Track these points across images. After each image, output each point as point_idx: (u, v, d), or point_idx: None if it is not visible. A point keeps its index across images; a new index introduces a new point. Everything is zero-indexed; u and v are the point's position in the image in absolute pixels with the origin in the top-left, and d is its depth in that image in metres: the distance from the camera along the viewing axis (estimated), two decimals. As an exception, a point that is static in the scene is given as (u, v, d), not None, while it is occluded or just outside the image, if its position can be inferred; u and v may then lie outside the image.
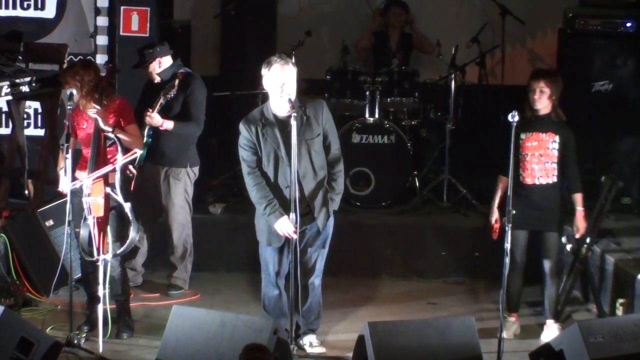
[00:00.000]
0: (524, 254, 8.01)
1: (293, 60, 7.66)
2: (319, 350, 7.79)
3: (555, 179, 7.95)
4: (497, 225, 8.05)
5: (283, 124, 7.47)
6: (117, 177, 7.63)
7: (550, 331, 8.04)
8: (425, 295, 9.04)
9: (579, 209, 8.02)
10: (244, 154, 7.60)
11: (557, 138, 7.92)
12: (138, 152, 7.74)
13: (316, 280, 7.78)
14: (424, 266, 9.46)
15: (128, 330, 7.99)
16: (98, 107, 7.64)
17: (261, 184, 7.58)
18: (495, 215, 8.09)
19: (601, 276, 8.64)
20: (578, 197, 8.03)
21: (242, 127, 7.60)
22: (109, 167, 7.62)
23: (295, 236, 7.45)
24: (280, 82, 7.46)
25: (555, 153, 7.93)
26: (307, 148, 7.53)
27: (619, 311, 8.15)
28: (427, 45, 10.75)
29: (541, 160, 7.92)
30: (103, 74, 8.03)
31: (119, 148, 7.62)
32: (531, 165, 7.92)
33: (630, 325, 7.00)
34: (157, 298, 8.81)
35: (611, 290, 8.47)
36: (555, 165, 7.94)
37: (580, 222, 8.04)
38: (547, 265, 8.07)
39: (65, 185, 7.78)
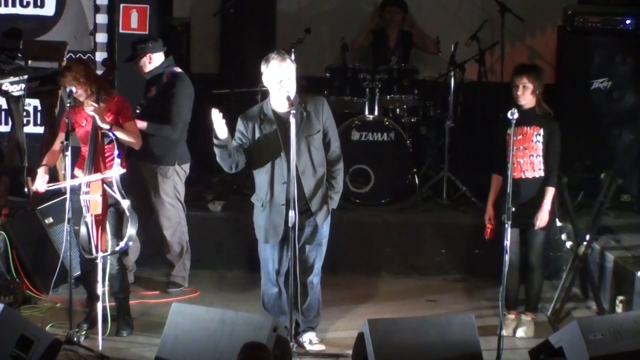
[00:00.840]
0: (517, 251, 8.00)
1: (292, 57, 7.66)
2: (318, 347, 7.79)
3: (542, 174, 7.96)
4: (490, 226, 8.05)
5: (282, 120, 7.47)
6: (115, 174, 7.64)
7: (525, 323, 8.10)
8: (424, 292, 9.04)
9: (545, 202, 7.97)
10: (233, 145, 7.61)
11: (541, 131, 7.94)
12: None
13: (314, 279, 7.78)
14: (424, 263, 9.47)
15: (128, 327, 7.99)
16: (95, 105, 7.64)
17: None
18: (489, 214, 8.10)
19: (601, 273, 8.65)
20: (549, 191, 8.00)
21: (239, 122, 7.63)
22: (105, 174, 7.63)
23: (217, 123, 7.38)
24: (278, 78, 7.46)
25: (540, 146, 7.94)
26: (306, 144, 7.52)
27: (619, 308, 8.15)
28: (431, 44, 10.72)
29: (525, 153, 7.94)
30: (100, 72, 8.03)
31: (116, 146, 7.62)
32: (517, 159, 7.94)
33: (630, 323, 7.01)
34: (156, 296, 8.81)
35: (611, 288, 8.48)
36: (540, 159, 7.95)
37: (543, 214, 7.97)
38: (529, 261, 8.09)
39: (40, 184, 7.79)
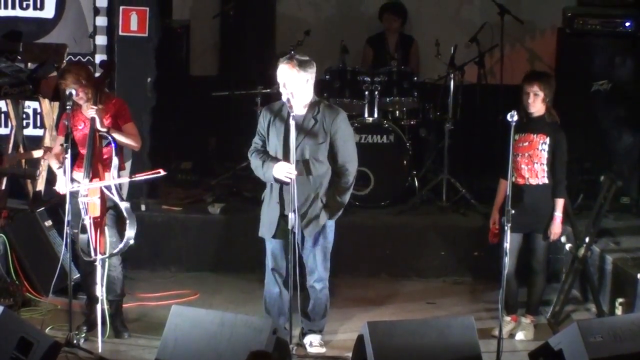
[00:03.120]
0: (515, 257, 7.98)
1: (298, 61, 7.57)
2: (318, 350, 7.78)
3: (545, 181, 7.95)
4: (494, 229, 8.03)
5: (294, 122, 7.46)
6: (113, 177, 7.64)
7: (525, 326, 8.10)
8: (424, 295, 9.04)
9: (557, 215, 7.99)
10: (256, 137, 7.71)
11: (547, 140, 7.92)
12: (162, 173, 7.72)
13: (316, 284, 7.77)
14: (423, 266, 9.46)
15: (126, 329, 7.99)
16: (95, 107, 7.64)
17: (258, 151, 7.63)
18: (494, 218, 8.09)
19: (600, 276, 8.64)
20: (559, 202, 8.00)
21: (261, 114, 7.72)
22: (106, 182, 7.62)
23: (292, 175, 7.39)
24: (280, 80, 7.51)
25: (545, 154, 7.93)
26: (305, 151, 7.51)
27: (618, 311, 8.15)
28: (414, 69, 10.73)
29: (530, 160, 7.93)
30: (97, 74, 8.03)
31: (114, 148, 7.62)
32: (521, 166, 7.93)
33: (629, 325, 7.00)
34: (155, 298, 8.78)
35: (610, 290, 8.47)
36: (545, 167, 7.93)
37: (555, 227, 8.00)
38: (532, 265, 8.10)
39: (62, 186, 7.76)
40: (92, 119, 7.63)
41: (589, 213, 8.79)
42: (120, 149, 7.73)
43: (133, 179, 7.76)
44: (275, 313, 7.75)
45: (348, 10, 11.52)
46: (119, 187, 7.70)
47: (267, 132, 7.63)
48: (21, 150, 9.41)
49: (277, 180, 7.51)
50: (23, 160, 9.44)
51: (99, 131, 7.64)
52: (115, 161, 7.64)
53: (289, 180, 7.40)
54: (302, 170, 7.51)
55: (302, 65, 7.50)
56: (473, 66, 10.53)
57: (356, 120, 9.89)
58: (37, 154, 9.11)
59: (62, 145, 7.71)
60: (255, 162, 7.65)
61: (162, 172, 7.67)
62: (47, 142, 9.29)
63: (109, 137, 7.63)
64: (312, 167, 7.55)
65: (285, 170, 7.42)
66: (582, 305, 8.77)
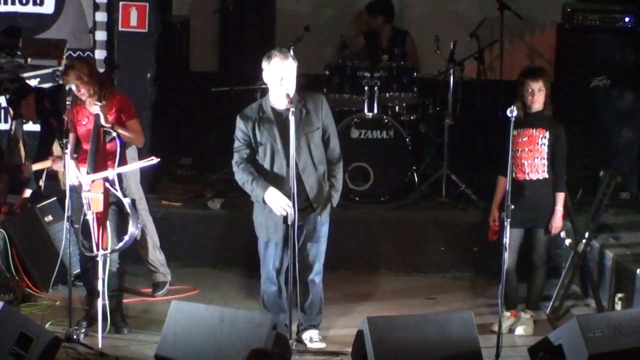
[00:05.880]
0: (516, 252, 7.99)
1: (293, 55, 7.66)
2: (318, 345, 7.78)
3: (546, 175, 7.96)
4: (494, 226, 8.04)
5: (281, 118, 7.48)
6: (117, 173, 7.65)
7: (525, 321, 8.10)
8: (424, 290, 9.05)
9: (558, 209, 8.00)
10: (237, 145, 7.64)
11: (547, 134, 7.92)
12: (155, 160, 7.71)
13: (316, 277, 7.77)
14: (423, 261, 9.47)
15: (126, 325, 8.00)
16: (99, 103, 7.65)
17: (247, 165, 7.58)
18: (493, 215, 8.09)
19: (600, 271, 8.65)
20: (559, 197, 8.01)
21: (238, 120, 7.63)
22: (107, 172, 7.62)
23: (290, 210, 7.39)
24: (279, 75, 7.48)
25: (545, 149, 7.93)
26: (306, 141, 7.53)
27: (618, 306, 8.16)
28: (416, 63, 10.71)
29: (530, 155, 7.93)
30: (101, 70, 8.04)
31: (118, 144, 7.62)
32: (521, 161, 7.94)
33: (629, 320, 7.01)
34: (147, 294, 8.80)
35: (610, 285, 8.48)
36: (545, 162, 7.94)
37: (556, 222, 8.00)
38: (533, 260, 8.11)
39: (72, 177, 7.72)
40: (97, 116, 7.64)
41: (588, 208, 8.80)
42: (124, 144, 7.73)
43: (127, 169, 7.75)
44: (276, 311, 7.73)
45: (347, 6, 11.51)
46: (121, 183, 7.70)
47: (252, 138, 7.60)
48: (21, 145, 9.41)
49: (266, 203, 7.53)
50: (23, 157, 9.44)
51: (103, 127, 7.65)
52: (118, 156, 7.64)
53: (284, 213, 7.41)
54: (307, 162, 7.53)
55: (294, 58, 7.54)
56: (473, 61, 10.54)
57: (356, 115, 9.90)
58: (47, 164, 9.07)
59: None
60: (243, 176, 7.59)
61: (156, 160, 7.68)
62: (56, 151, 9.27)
63: (113, 133, 7.64)
64: (314, 154, 7.57)
65: (279, 204, 7.42)
66: (581, 301, 8.78)
